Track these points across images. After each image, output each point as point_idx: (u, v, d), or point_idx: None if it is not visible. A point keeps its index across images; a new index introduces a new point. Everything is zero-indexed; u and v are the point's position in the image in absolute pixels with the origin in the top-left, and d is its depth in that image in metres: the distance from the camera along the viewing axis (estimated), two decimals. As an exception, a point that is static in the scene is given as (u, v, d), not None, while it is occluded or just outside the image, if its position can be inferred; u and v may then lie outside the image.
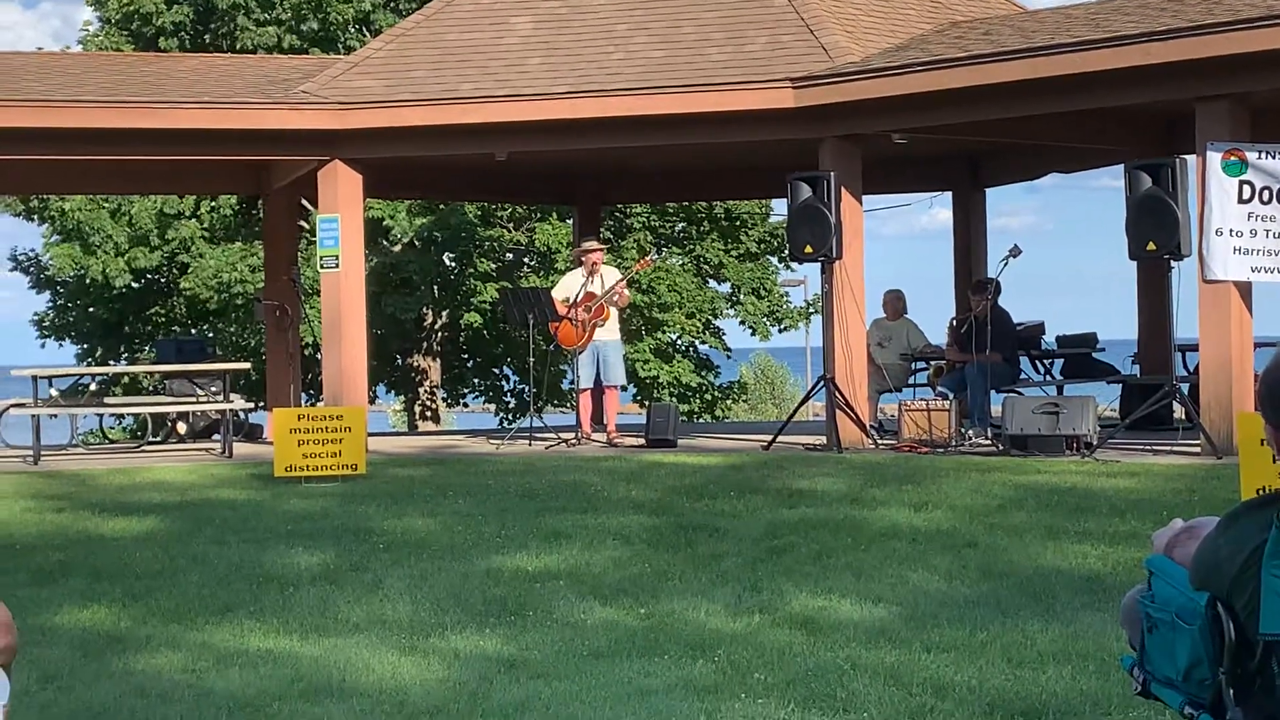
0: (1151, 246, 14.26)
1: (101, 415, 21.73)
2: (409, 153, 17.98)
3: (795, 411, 18.05)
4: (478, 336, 32.40)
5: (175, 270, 31.36)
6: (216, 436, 18.46)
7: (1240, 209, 14.16)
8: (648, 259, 23.17)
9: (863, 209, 16.77)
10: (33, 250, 32.80)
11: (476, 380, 34.26)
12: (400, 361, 32.70)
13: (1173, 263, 14.45)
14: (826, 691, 6.95)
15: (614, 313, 17.80)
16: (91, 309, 32.11)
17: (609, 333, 17.75)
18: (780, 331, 34.86)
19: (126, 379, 28.87)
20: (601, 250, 18.38)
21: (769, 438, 16.46)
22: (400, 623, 8.67)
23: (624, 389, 18.74)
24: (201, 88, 17.81)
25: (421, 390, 32.61)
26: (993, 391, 17.11)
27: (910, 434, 15.96)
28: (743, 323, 33.95)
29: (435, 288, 31.07)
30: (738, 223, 33.31)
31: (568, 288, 17.89)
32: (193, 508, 12.73)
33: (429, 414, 32.53)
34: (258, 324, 26.08)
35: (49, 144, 16.74)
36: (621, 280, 17.94)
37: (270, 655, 8.00)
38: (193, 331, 30.95)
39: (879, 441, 16.25)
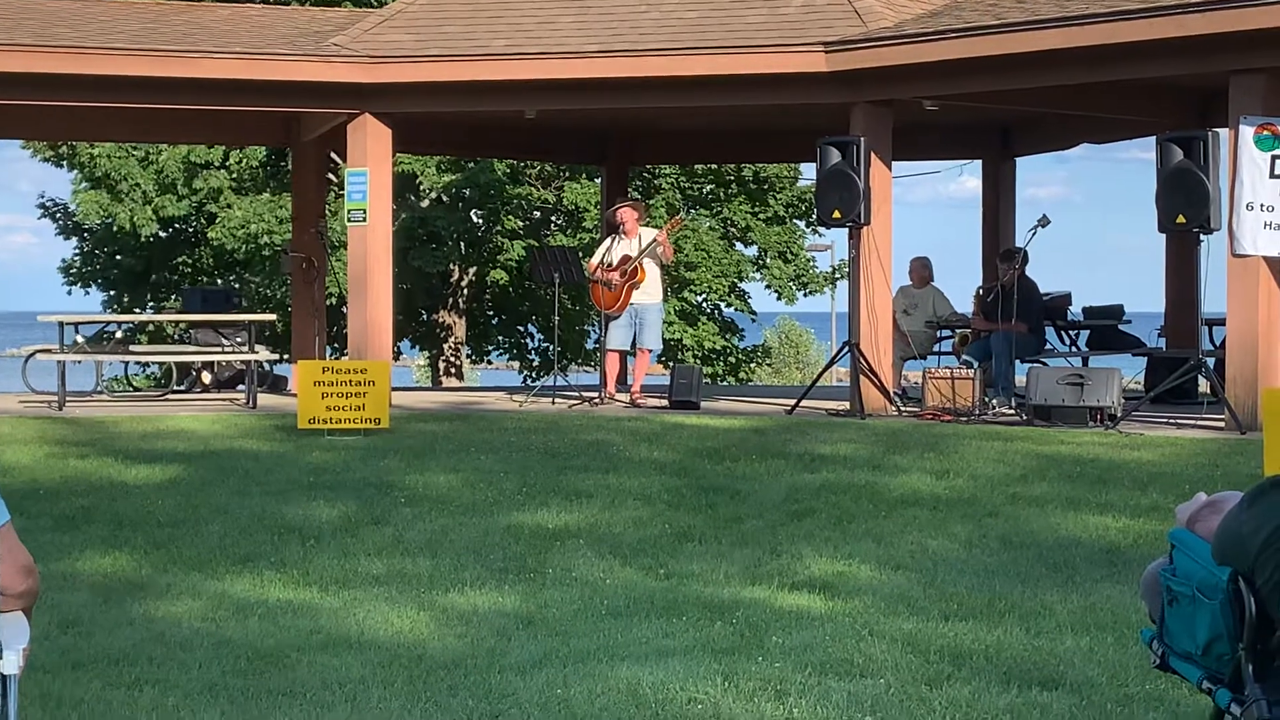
0: (1181, 219, 14.20)
1: (127, 363, 21.82)
2: (439, 108, 17.96)
3: (819, 376, 18.09)
4: (504, 294, 32.40)
5: (203, 220, 31.39)
6: (241, 387, 18.55)
7: (1272, 184, 14.09)
8: (678, 218, 23.06)
9: (892, 175, 16.72)
10: (61, 198, 32.91)
11: (501, 337, 34.27)
12: (425, 317, 32.73)
13: (1202, 236, 14.40)
14: (843, 656, 6.95)
15: (653, 274, 17.47)
16: (118, 257, 32.19)
17: (648, 295, 17.46)
18: (806, 296, 34.80)
19: (152, 327, 28.94)
20: (632, 208, 17.93)
21: (792, 402, 16.46)
22: (420, 577, 8.69)
23: (655, 352, 18.55)
24: (233, 38, 17.80)
25: (446, 346, 32.64)
26: (1017, 361, 17.09)
27: (934, 402, 15.95)
28: (768, 286, 33.88)
29: (462, 244, 31.07)
30: (766, 186, 33.24)
31: (602, 250, 17.70)
32: (216, 457, 12.77)
33: (453, 370, 32.57)
34: (284, 276, 26.11)
35: (79, 91, 16.76)
36: (662, 233, 17.67)
37: (290, 606, 8.04)
38: (219, 282, 31.01)
39: (902, 408, 16.24)
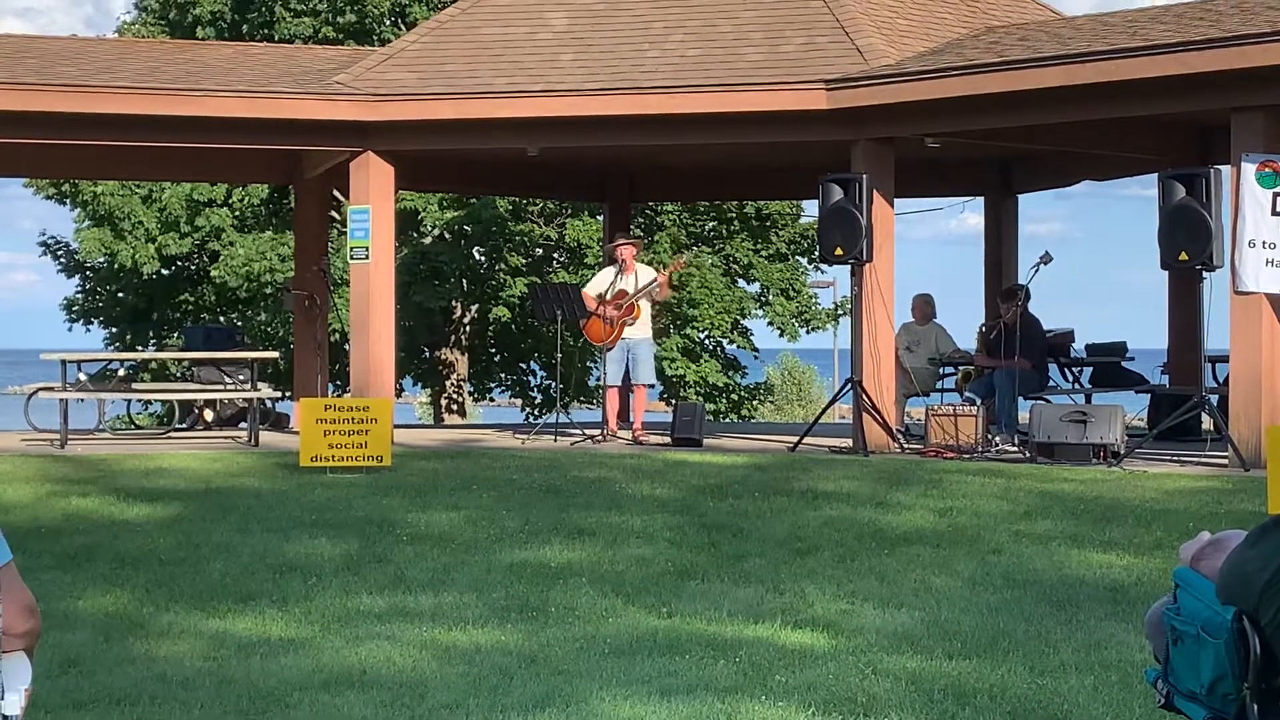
0: (1183, 257, 14.20)
1: (129, 401, 21.78)
2: (441, 146, 18.00)
3: (822, 413, 18.06)
4: (506, 331, 32.42)
5: (205, 258, 31.45)
6: (243, 425, 18.52)
7: (1274, 221, 14.10)
8: (682, 260, 23.10)
9: (894, 212, 16.73)
10: (63, 236, 32.96)
11: (503, 375, 34.28)
12: (428, 354, 32.74)
13: (1204, 273, 14.40)
14: (847, 695, 6.93)
15: (645, 311, 17.63)
16: (121, 294, 32.23)
17: (640, 331, 17.58)
18: (808, 333, 34.81)
19: (154, 365, 28.94)
20: (633, 245, 18.12)
21: (795, 439, 16.44)
22: (422, 615, 8.67)
23: (651, 387, 18.58)
24: (236, 77, 17.84)
25: (448, 383, 32.64)
26: (1020, 398, 17.07)
27: (937, 439, 15.94)
28: (771, 323, 33.89)
29: (465, 281, 31.10)
30: (768, 223, 33.27)
31: (600, 284, 17.80)
32: (217, 495, 12.75)
33: (455, 407, 32.57)
34: (286, 313, 26.13)
35: (82, 129, 16.79)
36: (663, 275, 17.80)
37: (291, 645, 8.02)
38: (221, 319, 31.04)
39: (905, 445, 16.22)
